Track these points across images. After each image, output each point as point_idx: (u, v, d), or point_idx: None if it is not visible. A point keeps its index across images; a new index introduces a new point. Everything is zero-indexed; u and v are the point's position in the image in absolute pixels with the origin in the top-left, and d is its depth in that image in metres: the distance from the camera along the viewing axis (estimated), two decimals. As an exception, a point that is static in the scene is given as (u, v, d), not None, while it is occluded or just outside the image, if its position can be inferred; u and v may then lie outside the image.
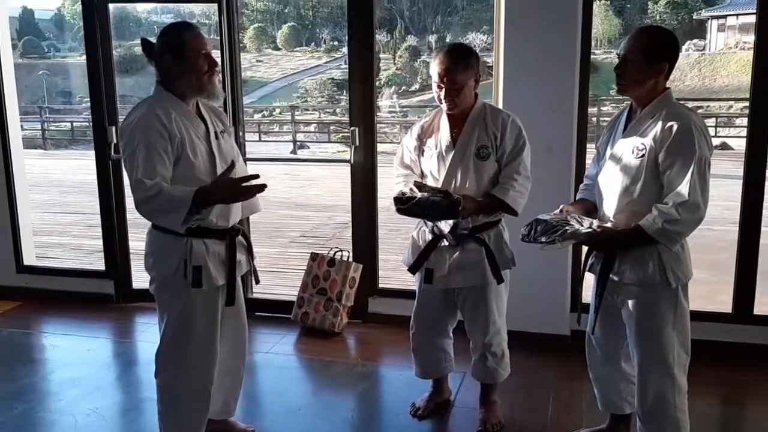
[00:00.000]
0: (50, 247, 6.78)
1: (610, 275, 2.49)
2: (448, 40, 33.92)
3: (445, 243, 2.82)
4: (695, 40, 31.81)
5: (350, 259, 4.26)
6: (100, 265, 4.85)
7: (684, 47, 31.34)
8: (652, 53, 2.35)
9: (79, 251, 6.44)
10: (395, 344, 3.88)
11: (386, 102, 27.95)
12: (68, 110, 27.98)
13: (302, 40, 37.45)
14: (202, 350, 2.62)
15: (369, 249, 4.27)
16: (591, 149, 3.30)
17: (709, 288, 4.71)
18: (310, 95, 31.72)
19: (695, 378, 2.46)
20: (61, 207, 8.68)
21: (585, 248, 2.68)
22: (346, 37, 4.18)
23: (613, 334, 2.64)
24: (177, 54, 2.43)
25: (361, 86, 4.08)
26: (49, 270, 5.07)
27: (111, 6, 4.42)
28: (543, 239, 2.38)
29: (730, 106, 21.72)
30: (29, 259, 4.94)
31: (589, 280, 2.67)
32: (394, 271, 5.00)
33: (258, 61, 37.43)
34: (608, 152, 2.54)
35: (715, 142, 17.69)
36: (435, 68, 2.73)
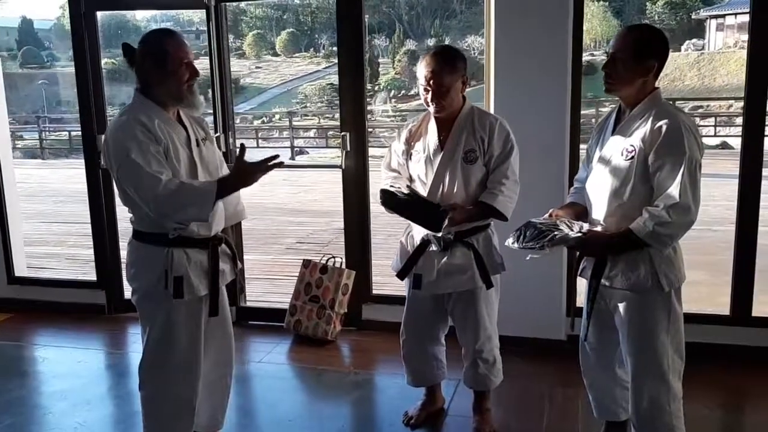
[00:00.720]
0: (46, 257, 6.73)
1: (602, 280, 2.44)
2: (446, 43, 33.99)
3: (434, 248, 2.77)
4: (694, 40, 31.80)
5: (343, 266, 4.21)
6: (93, 276, 4.80)
7: (683, 47, 31.32)
8: (640, 52, 2.31)
9: (74, 261, 6.40)
10: (389, 351, 3.81)
11: (381, 106, 27.95)
12: (67, 120, 28.00)
13: (301, 46, 37.50)
14: (185, 362, 2.57)
15: (362, 255, 4.22)
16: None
17: (709, 290, 4.65)
18: (309, 101, 31.75)
19: (692, 382, 2.42)
20: (56, 217, 8.64)
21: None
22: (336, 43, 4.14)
23: (607, 340, 2.59)
24: (158, 62, 2.38)
25: (352, 91, 4.04)
26: (41, 281, 5.03)
27: (99, 14, 4.38)
28: (531, 245, 2.33)
29: (730, 105, 21.65)
30: (20, 270, 4.90)
31: (584, 284, 2.62)
32: (389, 277, 4.93)
33: (257, 67, 37.48)
34: (597, 154, 2.49)
35: (715, 141, 17.69)
36: (422, 71, 2.70)
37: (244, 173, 2.36)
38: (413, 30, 36.92)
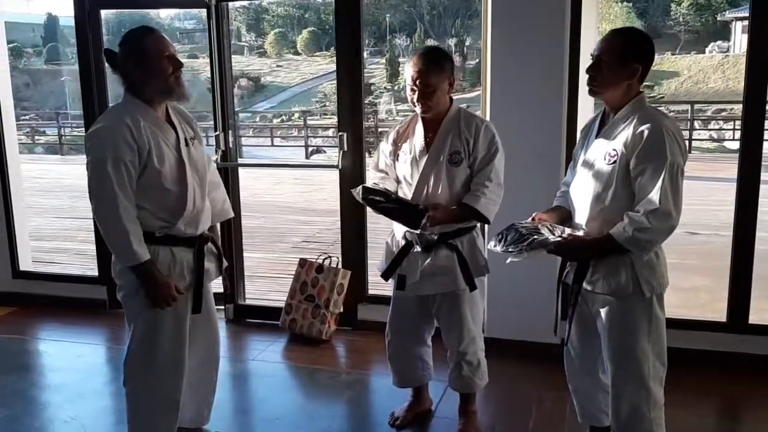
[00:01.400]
0: (56, 252, 6.84)
1: (584, 284, 2.42)
2: (468, 43, 33.89)
3: (418, 249, 2.77)
4: (719, 42, 31.46)
5: (339, 266, 4.22)
6: (96, 271, 4.85)
7: (708, 49, 30.97)
8: (625, 55, 2.29)
9: (82, 257, 6.47)
10: (383, 352, 3.77)
11: (384, 107, 27.99)
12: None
13: (322, 45, 37.60)
14: (169, 359, 2.60)
15: (358, 255, 4.22)
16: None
17: (711, 295, 4.60)
18: (329, 100, 31.81)
19: (686, 389, 2.39)
20: (70, 212, 8.75)
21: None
22: (334, 42, 4.15)
23: (590, 345, 2.56)
24: (140, 59, 2.41)
25: (348, 91, 4.04)
26: (45, 275, 5.08)
27: (113, 13, 4.43)
28: (511, 249, 2.32)
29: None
30: (25, 264, 4.97)
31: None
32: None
33: (278, 66, 37.67)
34: (581, 158, 2.47)
35: (737, 145, 17.43)
36: (409, 71, 2.71)
37: (158, 288, 2.47)
38: (434, 30, 36.86)
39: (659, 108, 2.66)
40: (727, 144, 18.82)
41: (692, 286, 5.18)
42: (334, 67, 4.18)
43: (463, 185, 2.73)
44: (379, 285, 4.58)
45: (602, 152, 2.35)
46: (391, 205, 2.65)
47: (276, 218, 8.53)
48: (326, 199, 9.59)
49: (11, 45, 34.49)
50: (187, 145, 2.56)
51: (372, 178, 2.92)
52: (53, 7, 39.04)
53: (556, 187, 3.57)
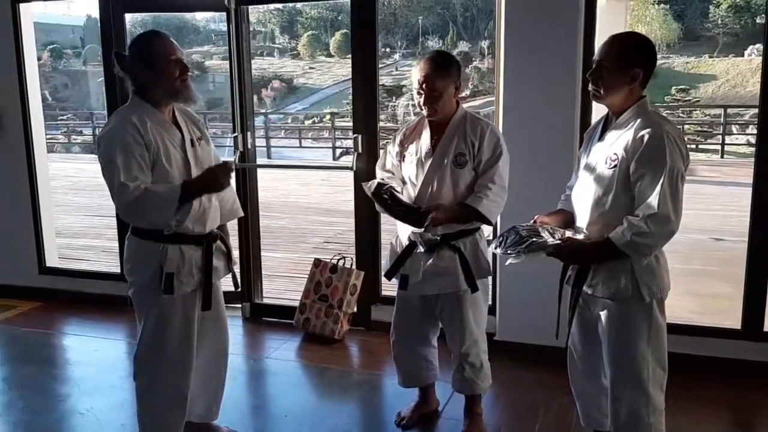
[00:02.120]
0: (83, 249, 7.00)
1: (584, 288, 2.42)
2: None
3: (421, 249, 2.80)
4: (758, 45, 30.74)
5: (353, 266, 4.26)
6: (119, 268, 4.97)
7: (746, 52, 30.34)
8: (625, 60, 2.28)
9: (108, 254, 6.61)
10: (394, 352, 3.85)
11: (403, 109, 28.04)
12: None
13: (355, 47, 37.72)
14: (178, 355, 2.66)
15: (372, 256, 4.26)
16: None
17: (731, 303, 4.52)
18: (359, 102, 31.92)
19: (701, 399, 2.34)
20: (99, 210, 8.91)
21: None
22: (350, 44, 4.20)
23: (593, 349, 2.56)
24: (148, 62, 2.48)
25: (363, 93, 4.08)
26: (70, 272, 5.22)
27: (146, 15, 4.55)
28: (510, 251, 2.34)
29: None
30: (52, 260, 5.10)
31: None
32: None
33: (311, 68, 37.92)
34: (584, 162, 2.48)
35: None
36: (415, 75, 2.75)
37: (213, 175, 2.50)
38: (467, 32, 36.76)
39: (663, 112, 2.64)
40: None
41: (713, 292, 5.09)
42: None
43: (467, 187, 2.75)
44: (392, 286, 4.61)
45: (603, 156, 2.35)
46: (395, 207, 2.69)
47: (299, 219, 8.61)
48: (350, 200, 9.64)
49: (51, 46, 35.55)
50: (193, 145, 2.62)
51: (378, 177, 2.95)
52: (93, 9, 39.80)
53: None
